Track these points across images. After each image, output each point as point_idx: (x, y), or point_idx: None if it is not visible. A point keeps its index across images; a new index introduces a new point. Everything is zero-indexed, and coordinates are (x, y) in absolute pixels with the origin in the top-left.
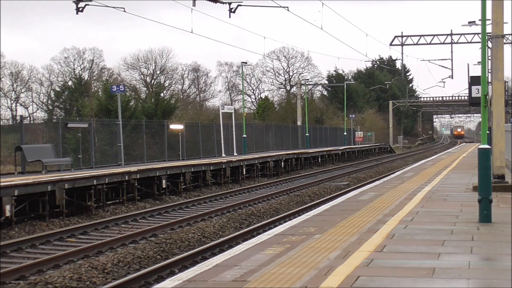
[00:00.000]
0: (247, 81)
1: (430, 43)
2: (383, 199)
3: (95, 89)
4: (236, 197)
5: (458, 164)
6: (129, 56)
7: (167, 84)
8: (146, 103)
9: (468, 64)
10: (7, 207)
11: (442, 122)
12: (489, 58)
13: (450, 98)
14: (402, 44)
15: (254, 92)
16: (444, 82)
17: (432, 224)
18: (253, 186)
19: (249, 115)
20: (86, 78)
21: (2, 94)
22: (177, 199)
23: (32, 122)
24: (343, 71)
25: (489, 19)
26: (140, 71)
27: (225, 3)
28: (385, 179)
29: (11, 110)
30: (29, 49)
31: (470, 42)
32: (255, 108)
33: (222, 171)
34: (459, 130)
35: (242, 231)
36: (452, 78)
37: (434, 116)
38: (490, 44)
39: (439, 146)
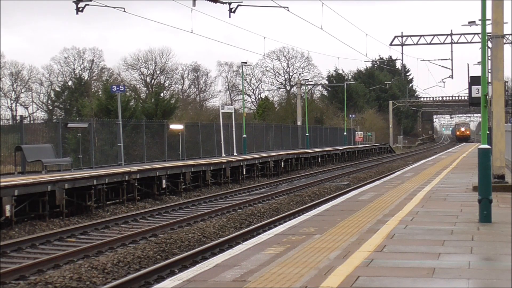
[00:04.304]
0: (247, 81)
1: (430, 43)
2: (383, 199)
3: (95, 89)
4: (236, 197)
5: (458, 164)
6: (129, 56)
7: (167, 84)
8: (146, 103)
9: (468, 64)
10: (7, 207)
11: (442, 122)
12: (489, 58)
13: (450, 98)
14: (402, 44)
15: (254, 92)
16: (444, 82)
17: (432, 224)
18: (253, 186)
19: (249, 115)
20: (86, 78)
21: (2, 94)
22: (177, 199)
23: (32, 122)
24: (343, 71)
25: (489, 19)
26: (140, 71)
27: (225, 3)
28: (385, 179)
29: (11, 110)
30: (29, 49)
31: (470, 42)
32: (255, 108)
33: (222, 171)
34: (463, 129)
35: (242, 231)
36: (452, 78)
37: (434, 116)
38: (490, 44)
39: (439, 146)
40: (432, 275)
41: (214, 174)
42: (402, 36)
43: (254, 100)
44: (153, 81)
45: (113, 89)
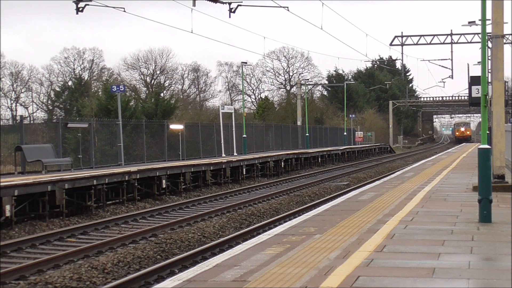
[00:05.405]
0: (247, 81)
1: (430, 43)
2: (383, 199)
3: (95, 89)
4: (236, 197)
5: (458, 164)
6: (129, 56)
7: (167, 84)
8: (146, 103)
9: (468, 64)
10: (7, 207)
11: (442, 122)
12: (489, 58)
13: (450, 98)
14: (402, 44)
15: (254, 92)
16: (444, 82)
17: (432, 224)
18: (253, 186)
19: (249, 115)
20: (86, 78)
21: (2, 94)
22: (177, 199)
23: (32, 122)
24: (343, 71)
25: (489, 19)
26: (140, 71)
27: (225, 3)
28: (385, 179)
29: (11, 110)
30: (29, 49)
31: (470, 42)
32: (255, 108)
33: (222, 171)
34: (462, 129)
35: (242, 231)
36: (452, 78)
37: (434, 116)
38: (490, 44)
39: (439, 146)
40: (432, 275)
41: (214, 174)
42: (402, 36)
43: (254, 100)
44: (153, 81)
45: (113, 89)
